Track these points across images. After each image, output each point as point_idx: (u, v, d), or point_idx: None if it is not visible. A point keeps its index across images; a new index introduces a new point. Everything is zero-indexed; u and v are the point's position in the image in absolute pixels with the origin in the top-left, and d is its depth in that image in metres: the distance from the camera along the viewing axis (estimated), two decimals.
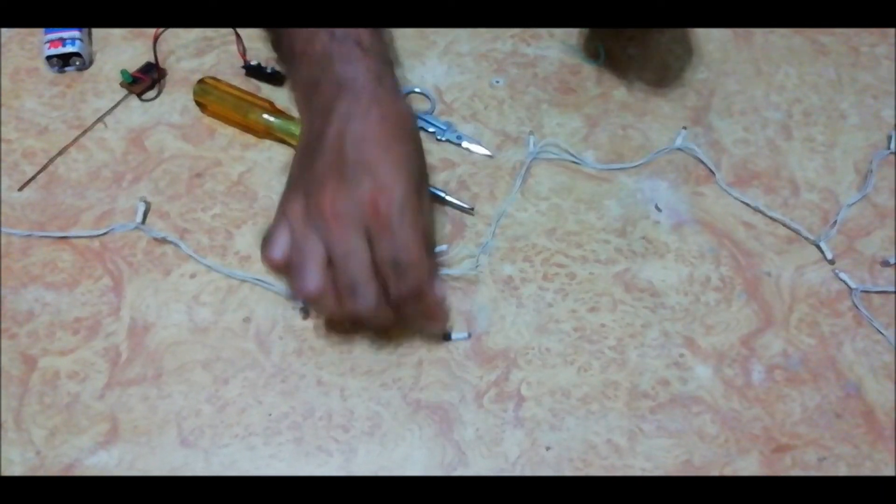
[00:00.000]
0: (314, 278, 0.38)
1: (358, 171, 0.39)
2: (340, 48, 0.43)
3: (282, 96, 0.54)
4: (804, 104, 0.57)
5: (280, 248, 0.40)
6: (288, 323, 0.46)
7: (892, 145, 0.55)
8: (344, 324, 0.45)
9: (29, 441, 0.42)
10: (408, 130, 0.42)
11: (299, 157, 0.43)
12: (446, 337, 0.46)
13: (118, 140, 0.52)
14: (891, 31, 0.61)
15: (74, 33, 0.54)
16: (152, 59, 0.54)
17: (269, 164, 0.52)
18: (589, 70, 0.57)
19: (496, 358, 0.46)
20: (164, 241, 0.48)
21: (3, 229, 0.48)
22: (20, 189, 0.50)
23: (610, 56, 0.58)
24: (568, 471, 0.43)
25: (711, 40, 0.59)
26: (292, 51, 0.45)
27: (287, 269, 0.40)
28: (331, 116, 0.41)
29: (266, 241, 0.40)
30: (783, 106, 0.57)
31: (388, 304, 0.40)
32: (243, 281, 0.47)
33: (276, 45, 0.49)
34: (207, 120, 0.53)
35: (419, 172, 0.42)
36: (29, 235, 0.48)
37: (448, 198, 0.50)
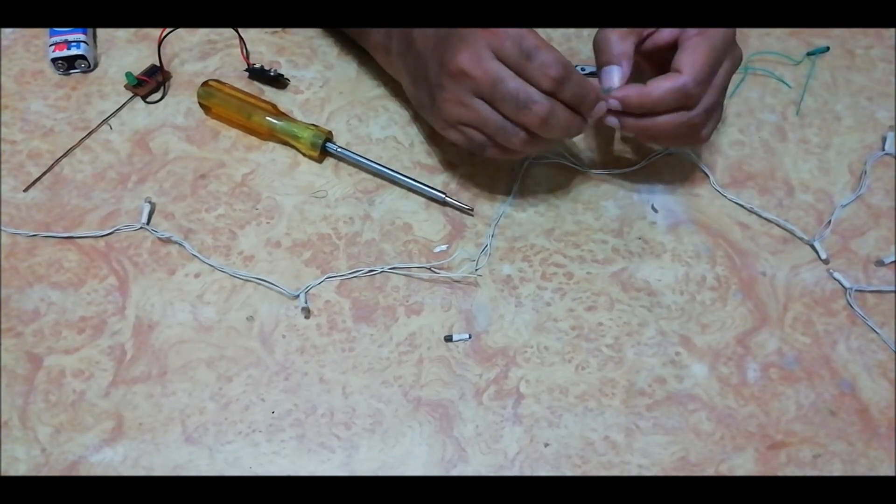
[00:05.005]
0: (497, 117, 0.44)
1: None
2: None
3: (284, 99, 0.55)
4: (799, 106, 0.58)
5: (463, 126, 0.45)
6: (291, 322, 0.47)
7: (887, 146, 0.55)
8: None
9: (34, 439, 0.43)
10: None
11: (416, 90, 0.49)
12: (448, 339, 0.47)
13: (123, 142, 0.53)
14: (885, 33, 0.62)
15: (79, 36, 0.54)
16: (157, 62, 0.55)
17: (273, 165, 0.52)
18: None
19: (495, 356, 0.47)
20: (168, 241, 0.49)
21: (9, 229, 0.49)
22: (26, 190, 0.51)
23: None
24: (566, 467, 0.44)
25: None
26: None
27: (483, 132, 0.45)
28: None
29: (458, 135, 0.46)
30: (778, 108, 0.57)
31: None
32: (247, 280, 0.48)
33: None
34: (211, 122, 0.54)
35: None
36: (34, 236, 0.49)
37: (448, 199, 0.51)
